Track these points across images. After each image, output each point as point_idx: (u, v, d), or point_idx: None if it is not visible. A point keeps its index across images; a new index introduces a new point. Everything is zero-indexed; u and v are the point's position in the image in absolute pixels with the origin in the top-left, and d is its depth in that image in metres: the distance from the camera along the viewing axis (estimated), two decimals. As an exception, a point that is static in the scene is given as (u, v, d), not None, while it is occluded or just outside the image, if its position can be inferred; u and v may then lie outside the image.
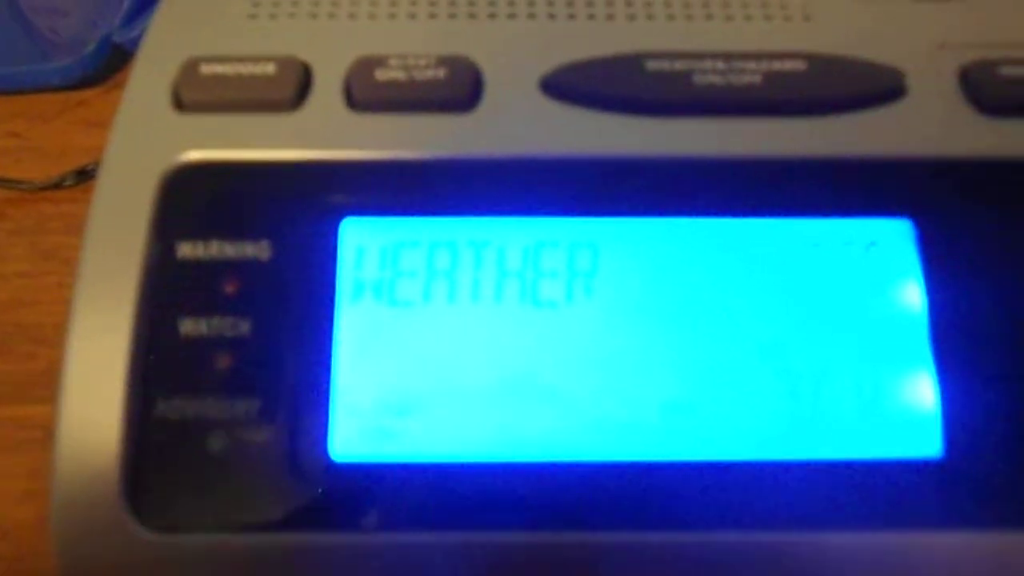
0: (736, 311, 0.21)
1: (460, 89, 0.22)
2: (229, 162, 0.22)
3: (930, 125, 0.23)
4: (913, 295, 0.21)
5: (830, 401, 0.21)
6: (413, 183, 0.22)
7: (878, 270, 0.22)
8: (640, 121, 0.22)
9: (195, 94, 0.22)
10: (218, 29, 0.24)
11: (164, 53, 0.23)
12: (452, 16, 0.24)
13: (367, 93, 0.22)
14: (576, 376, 0.21)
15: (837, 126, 0.22)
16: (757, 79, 0.23)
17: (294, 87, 0.22)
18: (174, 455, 0.20)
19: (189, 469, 0.20)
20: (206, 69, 0.23)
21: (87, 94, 0.41)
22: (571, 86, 0.23)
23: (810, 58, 0.23)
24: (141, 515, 0.19)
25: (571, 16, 0.24)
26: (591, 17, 0.24)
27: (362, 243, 0.21)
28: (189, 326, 0.21)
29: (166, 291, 0.21)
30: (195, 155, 0.22)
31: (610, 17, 0.24)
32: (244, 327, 0.21)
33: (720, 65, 0.23)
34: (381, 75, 0.23)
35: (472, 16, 0.24)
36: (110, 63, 0.41)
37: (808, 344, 0.21)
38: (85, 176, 0.36)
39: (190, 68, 0.23)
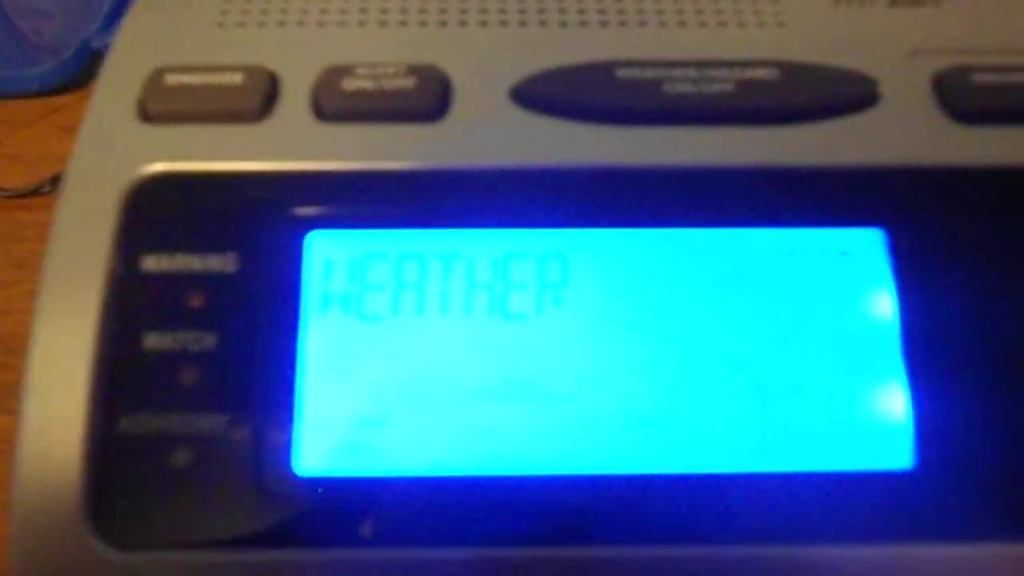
0: (707, 322, 0.21)
1: (429, 99, 0.22)
2: (194, 174, 0.21)
3: (903, 133, 0.22)
4: (885, 305, 0.21)
5: (802, 412, 0.21)
6: (381, 194, 0.21)
7: (850, 280, 0.21)
8: (611, 130, 0.22)
9: (160, 105, 0.22)
10: (185, 38, 0.24)
11: (130, 62, 0.23)
12: (423, 24, 0.24)
13: (335, 103, 0.22)
14: (546, 389, 0.21)
15: (809, 135, 0.22)
16: (729, 87, 0.22)
17: (261, 97, 0.22)
18: (137, 471, 0.20)
19: (153, 485, 0.20)
20: (172, 79, 0.22)
21: (65, 100, 0.41)
22: (541, 95, 0.22)
23: (782, 66, 0.23)
24: (103, 533, 0.19)
25: (543, 23, 0.24)
26: (563, 24, 0.24)
27: (330, 256, 0.21)
28: (153, 340, 0.20)
29: (130, 304, 0.20)
30: (160, 167, 0.21)
31: (582, 24, 0.24)
32: (210, 341, 0.20)
33: (692, 73, 0.23)
34: (349, 84, 0.22)
35: (443, 24, 0.24)
36: (89, 69, 0.41)
37: (780, 355, 0.21)
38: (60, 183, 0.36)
39: (155, 78, 0.22)
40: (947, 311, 0.21)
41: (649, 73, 0.23)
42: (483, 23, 0.24)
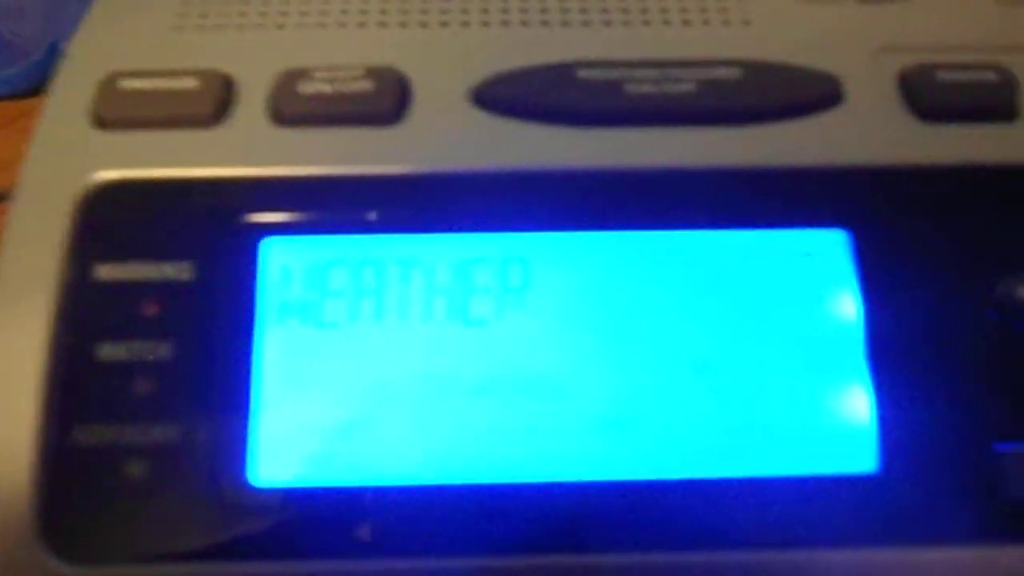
0: (670, 326, 0.21)
1: (387, 101, 0.22)
2: (148, 180, 0.21)
3: (867, 132, 0.22)
4: (849, 307, 0.21)
5: (765, 416, 0.20)
6: (338, 200, 0.21)
7: (814, 282, 0.21)
8: (571, 132, 0.22)
9: (114, 111, 0.22)
10: (141, 42, 0.23)
11: (84, 67, 0.23)
12: (382, 25, 0.24)
13: (291, 107, 0.22)
14: (507, 395, 0.20)
15: (772, 135, 0.22)
16: (691, 87, 0.22)
17: (215, 102, 0.22)
18: (90, 484, 0.19)
19: (106, 498, 0.19)
20: (125, 84, 0.22)
21: (36, 103, 0.41)
22: (501, 96, 0.22)
23: (745, 65, 0.23)
24: (56, 547, 0.19)
25: (505, 23, 0.24)
26: (525, 24, 0.24)
27: (287, 263, 0.21)
28: (107, 350, 0.20)
29: (83, 314, 0.20)
30: (113, 174, 0.21)
31: (545, 24, 0.24)
32: (164, 350, 0.20)
33: (653, 73, 0.22)
34: (306, 88, 0.22)
35: (403, 25, 0.24)
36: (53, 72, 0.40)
37: (743, 358, 0.21)
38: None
39: (109, 84, 0.22)
40: (911, 313, 0.21)
41: (610, 73, 0.22)
42: (444, 24, 0.24)
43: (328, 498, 0.20)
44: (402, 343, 0.21)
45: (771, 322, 0.21)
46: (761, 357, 0.21)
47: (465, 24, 0.24)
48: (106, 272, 0.20)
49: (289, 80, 0.22)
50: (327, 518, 0.19)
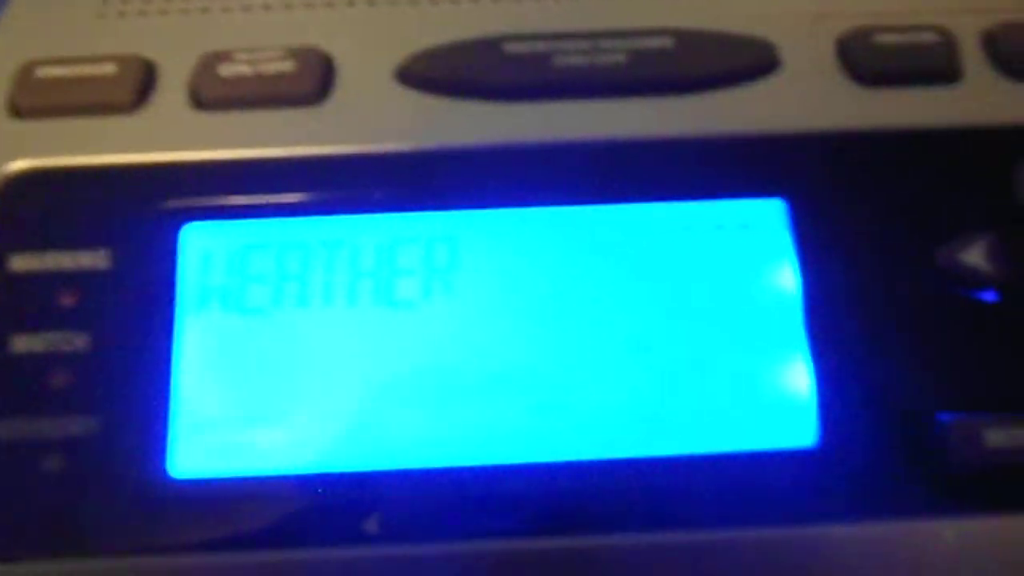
0: (604, 302, 0.20)
1: (309, 82, 0.21)
2: (64, 168, 0.20)
3: (803, 99, 0.22)
4: (788, 279, 0.20)
5: (704, 392, 0.20)
6: (260, 183, 0.21)
7: (751, 253, 0.21)
8: (499, 107, 0.21)
9: (31, 99, 0.21)
10: (63, 30, 0.23)
11: (4, 56, 0.22)
12: (309, 6, 0.23)
13: (212, 90, 0.21)
14: (436, 379, 0.20)
15: (706, 104, 0.21)
16: (622, 58, 0.22)
17: (134, 87, 0.21)
18: (7, 478, 0.19)
19: (24, 493, 0.19)
20: (43, 72, 0.21)
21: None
22: (427, 74, 0.22)
23: (677, 34, 0.22)
24: (-27, 545, 0.18)
25: (434, 2, 0.23)
26: (455, 2, 0.23)
27: (208, 248, 0.20)
28: (22, 342, 0.19)
29: (-3, 307, 0.20)
30: (27, 163, 0.20)
31: (475, 1, 0.23)
32: (82, 341, 0.20)
33: (583, 45, 0.22)
34: (226, 71, 0.21)
35: (330, 5, 0.23)
36: None
37: (680, 334, 0.20)
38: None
39: (26, 72, 0.22)
40: (851, 282, 0.20)
41: (538, 47, 0.22)
42: (371, 3, 0.23)
43: (249, 488, 0.19)
44: (327, 328, 0.20)
45: (708, 296, 0.20)
46: (699, 332, 0.20)
47: (393, 3, 0.23)
48: (21, 263, 0.20)
49: (210, 63, 0.22)
50: (248, 509, 0.19)
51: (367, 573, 0.19)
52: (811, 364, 0.20)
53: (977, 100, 0.21)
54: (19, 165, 0.20)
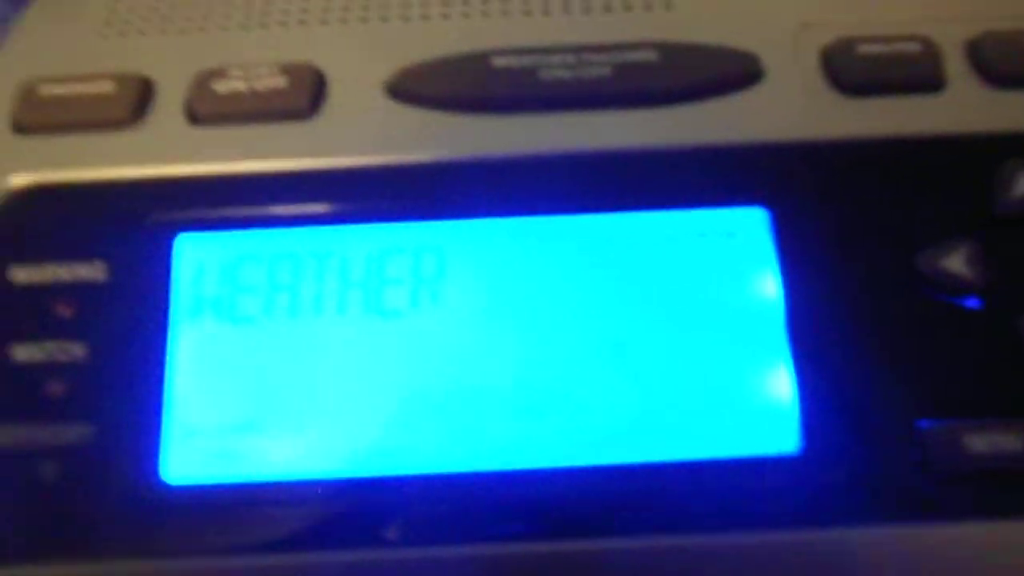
0: (590, 311, 0.21)
1: (301, 96, 0.22)
2: (63, 183, 0.21)
3: (787, 109, 0.22)
4: (770, 286, 0.21)
5: (688, 399, 0.20)
6: (252, 196, 0.21)
7: (735, 261, 0.21)
8: (486, 120, 0.22)
9: (32, 116, 0.22)
10: (64, 49, 0.24)
11: (7, 75, 0.23)
12: (303, 24, 0.24)
13: (207, 106, 0.22)
14: (424, 386, 0.20)
15: (690, 115, 0.22)
16: (607, 71, 0.22)
17: (132, 104, 0.22)
18: (5, 484, 0.19)
19: (20, 498, 0.19)
20: (44, 90, 0.22)
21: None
22: (415, 88, 0.22)
23: (662, 47, 0.22)
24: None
25: (425, 17, 0.24)
26: (445, 17, 0.24)
27: (201, 259, 0.21)
28: (21, 352, 0.20)
29: (-3, 317, 0.20)
30: (27, 178, 0.21)
31: (465, 16, 0.24)
32: (79, 351, 0.20)
33: (568, 59, 0.22)
34: (221, 87, 0.22)
35: (324, 22, 0.24)
36: None
37: (664, 341, 0.20)
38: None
39: (28, 89, 0.22)
40: (833, 289, 0.20)
41: (524, 61, 0.22)
42: (364, 19, 0.24)
43: (242, 494, 0.19)
44: (317, 337, 0.20)
45: (692, 303, 0.21)
46: (682, 339, 0.20)
47: (384, 19, 0.24)
48: (21, 275, 0.21)
49: (205, 80, 0.22)
50: (241, 514, 0.19)
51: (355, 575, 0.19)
52: (793, 371, 0.20)
53: (960, 108, 0.22)
54: (20, 180, 0.21)
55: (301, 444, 0.20)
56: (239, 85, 0.22)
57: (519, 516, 0.20)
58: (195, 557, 0.19)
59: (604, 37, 0.23)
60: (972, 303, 0.20)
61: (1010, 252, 0.20)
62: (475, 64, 0.22)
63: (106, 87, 0.22)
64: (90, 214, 0.21)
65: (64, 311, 0.20)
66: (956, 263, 0.20)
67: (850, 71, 0.22)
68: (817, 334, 0.20)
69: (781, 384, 0.20)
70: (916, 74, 0.22)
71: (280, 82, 0.22)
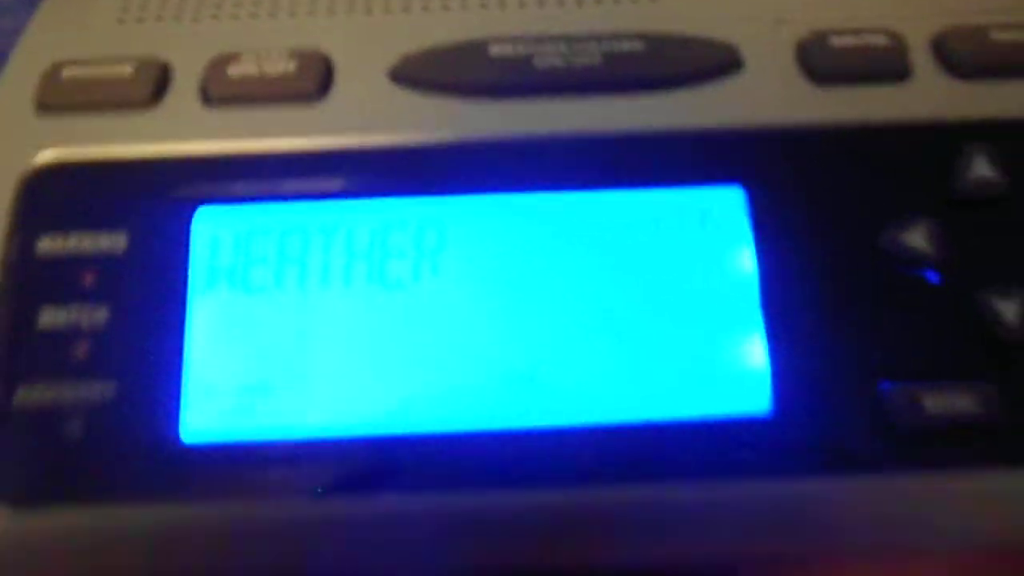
0: (578, 281, 0.22)
1: (310, 81, 0.23)
2: (86, 160, 0.23)
3: (764, 97, 0.23)
4: (745, 260, 0.22)
5: (668, 365, 0.22)
6: (264, 173, 0.23)
7: (712, 237, 0.22)
8: (484, 104, 0.23)
9: (56, 97, 0.23)
10: (86, 34, 0.25)
11: (32, 58, 0.24)
12: (311, 13, 0.25)
13: (221, 89, 0.23)
14: (424, 352, 0.22)
15: (673, 101, 0.23)
16: (596, 60, 0.24)
17: (150, 86, 0.23)
18: (33, 437, 0.21)
19: (51, 451, 0.21)
20: (68, 72, 0.24)
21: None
22: (418, 73, 0.24)
23: (648, 38, 0.24)
24: (9, 496, 0.20)
25: (425, 8, 0.25)
26: (445, 8, 0.25)
27: (216, 232, 0.22)
28: (48, 317, 0.21)
29: (26, 284, 0.22)
30: (53, 154, 0.22)
31: (463, 7, 0.25)
32: (101, 316, 0.22)
33: (561, 48, 0.24)
34: (234, 71, 0.23)
35: (331, 12, 0.25)
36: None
37: (646, 311, 0.22)
38: None
39: (53, 72, 0.24)
40: (803, 263, 0.22)
41: (520, 49, 0.24)
42: (368, 10, 0.25)
43: (252, 447, 0.21)
44: (324, 306, 0.22)
45: (673, 275, 0.22)
46: (663, 308, 0.22)
47: (387, 10, 0.25)
48: (47, 246, 0.22)
49: (219, 64, 0.24)
50: (250, 465, 0.21)
51: (358, 526, 0.21)
52: (766, 338, 0.21)
53: (924, 98, 0.23)
54: (46, 157, 0.22)
55: (308, 404, 0.21)
56: (251, 69, 0.23)
57: (510, 470, 0.21)
58: (208, 503, 0.21)
59: (594, 28, 0.25)
60: (931, 276, 0.21)
61: (966, 230, 0.22)
62: (473, 52, 0.24)
63: (126, 70, 0.23)
64: (111, 188, 0.22)
65: (87, 279, 0.22)
66: (917, 239, 0.22)
67: (823, 62, 0.24)
68: (788, 304, 0.22)
69: (754, 350, 0.21)
70: (884, 65, 0.23)
71: (290, 67, 0.23)
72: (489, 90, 0.23)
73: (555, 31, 0.24)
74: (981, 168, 0.22)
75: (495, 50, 0.24)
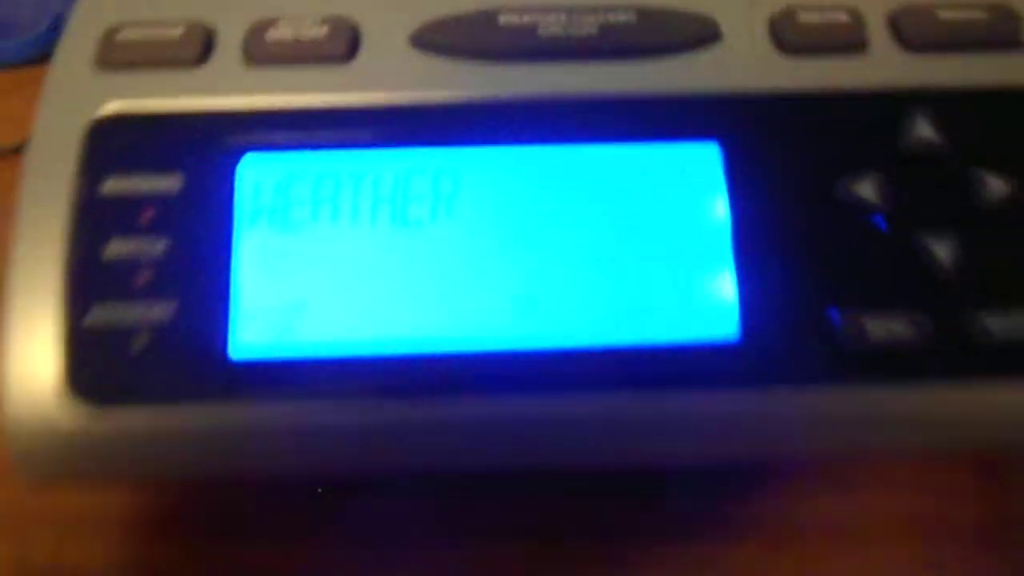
0: (573, 222, 0.25)
1: (339, 44, 0.26)
2: (144, 112, 0.26)
3: (739, 65, 0.27)
4: (720, 206, 0.25)
5: (651, 295, 0.25)
6: (300, 125, 0.26)
7: (692, 187, 0.26)
8: (493, 67, 0.26)
9: (115, 56, 0.26)
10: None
11: (90, 21, 0.27)
12: (341, -17, 0.28)
13: (261, 50, 0.26)
14: (439, 281, 0.25)
15: (660, 67, 0.26)
16: (593, 30, 0.27)
17: (198, 47, 0.26)
18: (106, 351, 0.24)
19: (118, 361, 0.24)
20: (124, 34, 0.26)
21: (41, 70, 0.45)
22: (435, 39, 0.27)
23: (639, 10, 0.27)
24: (81, 395, 0.24)
25: (443, -19, 0.28)
26: (461, -19, 0.28)
27: (258, 177, 0.25)
28: (114, 248, 0.25)
29: (93, 220, 0.25)
30: (114, 107, 0.26)
31: (477, -19, 0.28)
32: (160, 247, 0.25)
33: (562, 18, 0.27)
34: (272, 34, 0.26)
35: (360, -18, 0.28)
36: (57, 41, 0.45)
37: (633, 249, 0.25)
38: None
39: (111, 34, 0.27)
40: (769, 209, 0.25)
41: (525, 19, 0.27)
42: (393, -19, 0.28)
43: (288, 362, 0.24)
44: (353, 242, 0.25)
45: (656, 219, 0.26)
46: (648, 248, 0.25)
47: (410, -19, 0.28)
48: (111, 186, 0.25)
49: (259, 28, 0.27)
50: (286, 376, 0.24)
51: (375, 431, 0.24)
52: (736, 273, 0.25)
53: (878, 68, 0.26)
54: (109, 108, 0.25)
55: (337, 324, 0.25)
56: (287, 33, 0.26)
57: (512, 381, 0.24)
58: (251, 406, 0.24)
59: (592, 0, 0.28)
60: (878, 221, 0.25)
61: (909, 182, 0.25)
62: (484, 21, 0.27)
63: (176, 32, 0.26)
64: (167, 137, 0.25)
65: (147, 215, 0.25)
66: (867, 190, 0.25)
67: (791, 35, 0.27)
68: (755, 244, 0.25)
69: (726, 284, 0.25)
70: (844, 39, 0.27)
71: (322, 32, 0.26)
72: (497, 55, 0.26)
73: (557, 2, 0.27)
74: (924, 130, 0.25)
75: (504, 19, 0.27)
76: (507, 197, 0.26)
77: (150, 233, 0.25)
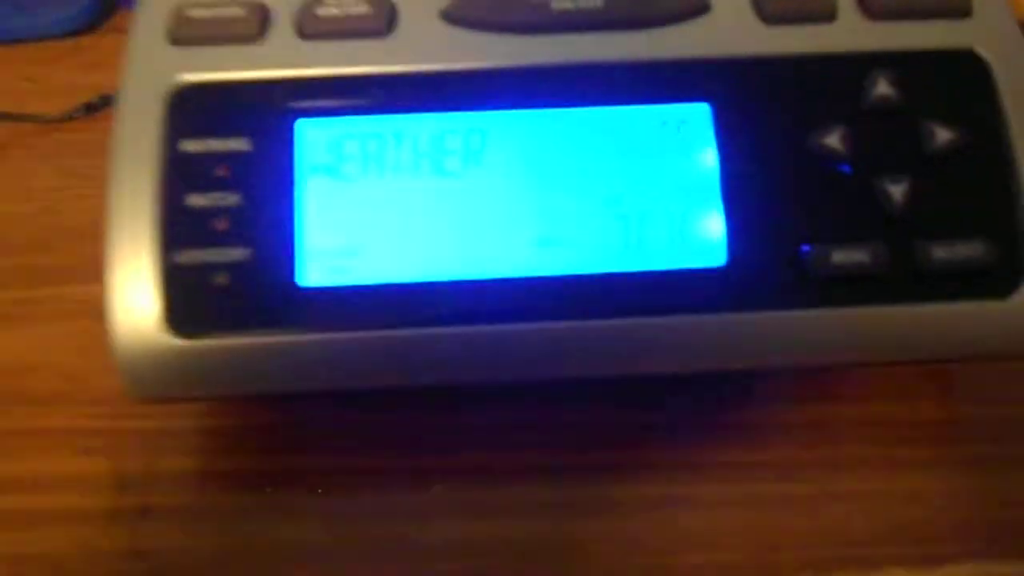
0: (584, 172, 0.30)
1: (379, 20, 0.30)
2: (214, 81, 0.30)
3: (727, 33, 0.31)
4: (710, 157, 0.30)
5: (652, 231, 0.30)
6: (349, 92, 0.30)
7: (686, 141, 0.30)
8: (514, 39, 0.30)
9: (185, 32, 0.30)
10: (201, -19, 0.32)
11: (164, 2, 0.31)
12: (379, -35, 0.32)
13: (312, 26, 0.30)
14: (471, 223, 0.29)
15: (657, 36, 0.31)
16: (600, 4, 0.31)
17: (257, 24, 0.30)
18: (192, 289, 0.28)
19: (203, 297, 0.28)
20: (191, 12, 0.30)
21: (87, 40, 0.49)
22: (464, 15, 0.31)
23: (639, -13, 0.31)
24: (176, 328, 0.28)
25: (469, -38, 0.32)
26: (484, -39, 0.32)
27: (314, 137, 0.30)
28: (194, 200, 0.29)
29: (176, 176, 0.29)
30: (189, 77, 0.30)
31: (497, -39, 0.32)
32: (234, 199, 0.29)
33: (573, -6, 0.31)
34: (321, 11, 0.30)
35: (396, -36, 0.32)
36: (104, 12, 0.49)
37: (636, 193, 0.30)
38: (92, 109, 0.44)
39: (179, 11, 0.31)
40: (752, 159, 0.30)
41: (541, -5, 0.31)
42: (425, -38, 0.32)
43: (347, 293, 0.29)
44: (398, 190, 0.30)
45: (656, 168, 0.30)
46: (648, 192, 0.30)
47: (440, -37, 0.32)
48: (190, 146, 0.29)
49: (310, 6, 0.31)
50: (346, 306, 0.29)
51: (426, 347, 0.29)
52: (723, 213, 0.29)
53: (845, 35, 0.31)
54: (184, 78, 0.30)
55: (386, 261, 0.29)
56: (334, 10, 0.30)
57: (533, 307, 0.29)
58: (317, 332, 0.29)
59: (597, -22, 0.32)
60: (843, 168, 0.29)
61: (871, 134, 0.29)
62: (507, -2, 0.31)
63: (237, 11, 0.30)
64: (234, 103, 0.30)
65: (221, 171, 0.29)
66: (834, 141, 0.29)
67: (772, 7, 0.31)
68: (740, 189, 0.29)
69: (715, 222, 0.29)
70: (816, 9, 0.31)
71: (364, 9, 0.30)
72: (517, 27, 0.31)
73: (567, -19, 0.31)
74: (884, 88, 0.30)
75: (523, -4, 0.31)
76: (528, 151, 0.30)
77: (225, 186, 0.29)
